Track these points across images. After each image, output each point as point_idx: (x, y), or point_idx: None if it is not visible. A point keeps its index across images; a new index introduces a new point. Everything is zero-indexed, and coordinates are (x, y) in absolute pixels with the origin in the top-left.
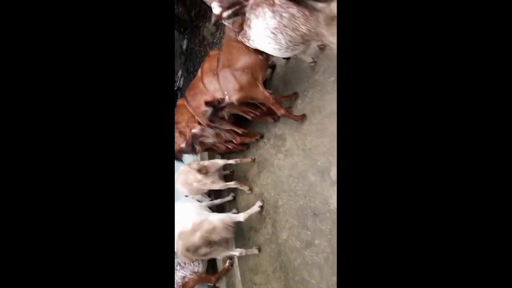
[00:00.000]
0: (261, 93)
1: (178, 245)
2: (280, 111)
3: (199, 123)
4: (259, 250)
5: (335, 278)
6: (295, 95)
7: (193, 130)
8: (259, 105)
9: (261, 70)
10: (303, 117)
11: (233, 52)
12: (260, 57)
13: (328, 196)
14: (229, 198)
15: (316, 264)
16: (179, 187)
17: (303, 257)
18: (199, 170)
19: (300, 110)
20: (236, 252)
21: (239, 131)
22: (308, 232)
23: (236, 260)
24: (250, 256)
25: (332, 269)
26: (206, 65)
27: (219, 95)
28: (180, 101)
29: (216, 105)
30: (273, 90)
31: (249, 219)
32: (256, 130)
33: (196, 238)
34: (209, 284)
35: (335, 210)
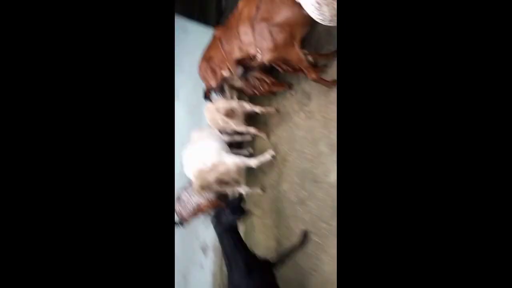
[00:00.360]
0: (296, 55)
1: (195, 181)
2: (311, 75)
3: (229, 69)
4: (263, 190)
5: (315, 237)
6: (334, 54)
7: (224, 73)
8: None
9: (302, 28)
10: (333, 83)
11: (276, 1)
12: (305, 12)
13: (330, 169)
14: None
15: (303, 220)
16: (208, 123)
17: (295, 210)
18: (227, 115)
19: (333, 73)
20: (243, 190)
21: (268, 80)
22: (305, 193)
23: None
24: (263, 200)
25: (314, 228)
26: (245, 10)
27: (252, 50)
28: (218, 32)
29: (247, 65)
30: (310, 46)
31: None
32: (286, 80)
33: (211, 179)
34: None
35: (333, 184)
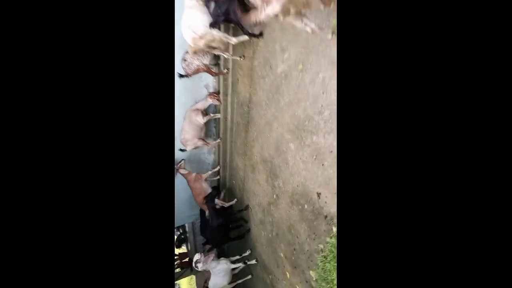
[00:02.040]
0: None
1: (189, 47)
2: None
3: None
4: (243, 58)
5: (299, 186)
6: None
7: None
8: None
9: None
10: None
11: None
12: None
13: (325, 106)
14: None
15: (265, 83)
16: None
17: (262, 79)
18: None
19: None
20: (227, 55)
21: None
22: (269, 69)
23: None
24: (244, 66)
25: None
26: None
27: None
28: None
29: None
30: None
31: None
32: None
33: (201, 44)
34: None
35: (327, 119)
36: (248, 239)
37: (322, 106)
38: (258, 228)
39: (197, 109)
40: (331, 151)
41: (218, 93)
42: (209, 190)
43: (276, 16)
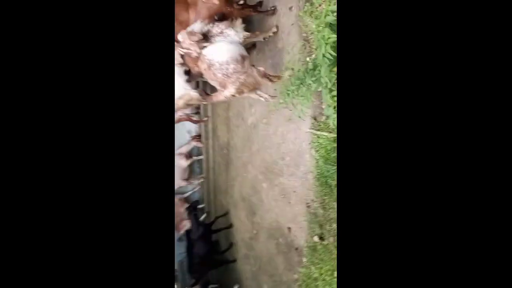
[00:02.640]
0: None
1: None
2: None
3: None
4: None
5: (273, 222)
6: None
7: None
8: None
9: None
10: None
11: None
12: None
13: (286, 153)
14: None
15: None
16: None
17: None
18: None
19: None
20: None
21: None
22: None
23: None
24: (221, 115)
25: (272, 214)
26: None
27: None
28: None
29: None
30: None
31: None
32: None
33: (180, 104)
34: None
35: (288, 164)
36: (234, 274)
37: (283, 152)
38: (243, 262)
39: (181, 153)
40: (295, 191)
41: (199, 136)
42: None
43: (233, 95)
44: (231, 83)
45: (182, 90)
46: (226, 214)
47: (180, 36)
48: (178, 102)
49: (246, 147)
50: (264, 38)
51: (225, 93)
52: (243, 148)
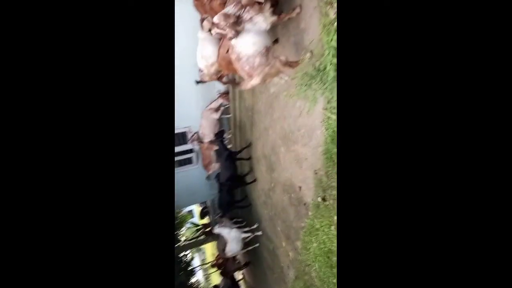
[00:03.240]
0: None
1: (204, 72)
2: None
3: None
4: None
5: (288, 180)
6: None
7: None
8: None
9: None
10: None
11: None
12: None
13: (301, 126)
14: None
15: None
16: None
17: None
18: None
19: None
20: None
21: None
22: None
23: None
24: None
25: (287, 173)
26: None
27: None
28: None
29: None
30: None
31: None
32: None
33: (212, 70)
34: None
35: (303, 135)
36: (255, 215)
37: (299, 125)
38: (262, 207)
39: (211, 109)
40: (306, 159)
41: (227, 93)
42: (214, 159)
43: (258, 84)
44: (257, 74)
45: (213, 57)
46: (249, 145)
47: (217, 18)
48: (210, 69)
49: (268, 114)
50: (288, 18)
51: (252, 82)
52: (265, 114)
